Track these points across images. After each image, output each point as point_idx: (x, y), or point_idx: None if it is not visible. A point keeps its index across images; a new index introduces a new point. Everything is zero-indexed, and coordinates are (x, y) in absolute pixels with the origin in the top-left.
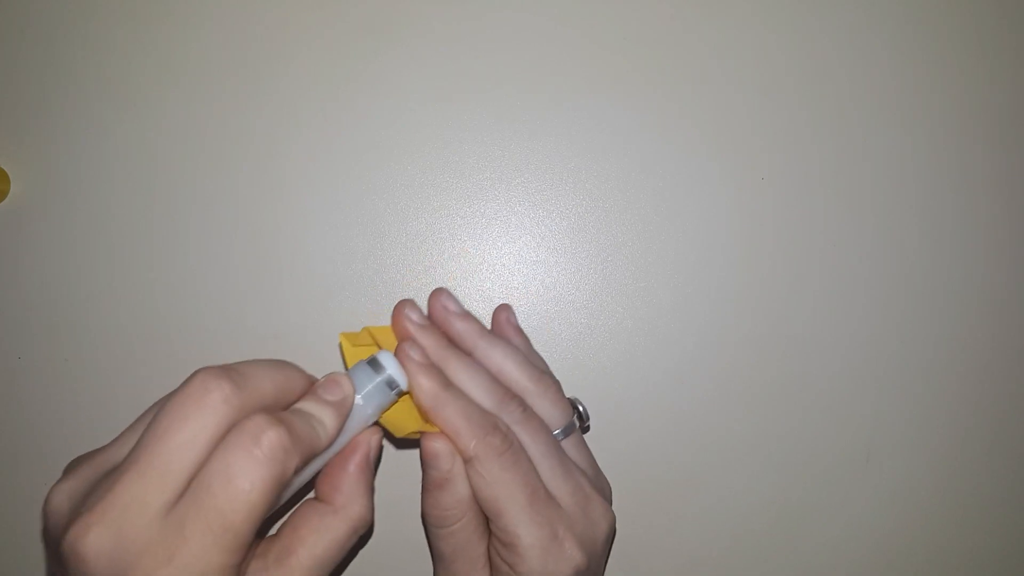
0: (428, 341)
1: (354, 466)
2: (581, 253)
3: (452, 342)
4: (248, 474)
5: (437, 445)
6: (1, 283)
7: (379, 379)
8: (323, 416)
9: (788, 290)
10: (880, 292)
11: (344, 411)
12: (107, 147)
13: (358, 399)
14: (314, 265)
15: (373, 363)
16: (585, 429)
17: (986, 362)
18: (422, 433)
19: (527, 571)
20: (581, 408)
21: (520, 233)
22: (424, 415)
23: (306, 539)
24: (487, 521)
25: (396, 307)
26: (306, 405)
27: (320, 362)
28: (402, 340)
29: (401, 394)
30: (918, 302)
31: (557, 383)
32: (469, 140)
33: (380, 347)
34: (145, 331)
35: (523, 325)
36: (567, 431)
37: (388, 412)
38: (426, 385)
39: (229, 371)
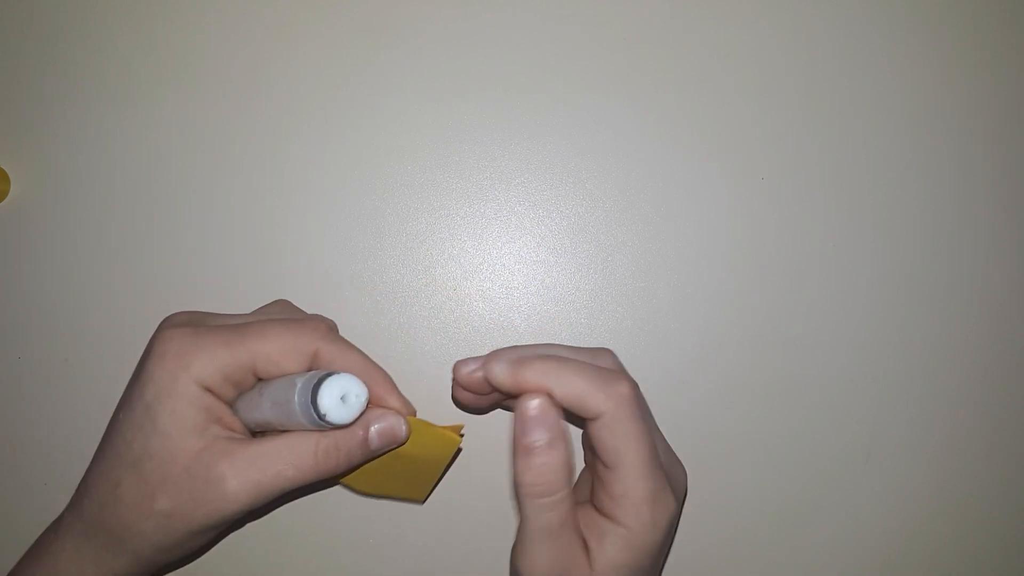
0: (497, 363)
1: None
2: (581, 253)
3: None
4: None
5: (539, 404)
6: (1, 283)
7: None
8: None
9: (788, 290)
10: (880, 292)
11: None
12: (107, 147)
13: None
14: (314, 265)
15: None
16: None
17: (986, 362)
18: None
19: (634, 523)
20: None
21: (520, 233)
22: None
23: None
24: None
25: (453, 376)
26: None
27: None
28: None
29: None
30: (918, 302)
31: None
32: (469, 140)
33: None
34: (145, 331)
35: (523, 325)
36: None
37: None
38: (527, 372)
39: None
